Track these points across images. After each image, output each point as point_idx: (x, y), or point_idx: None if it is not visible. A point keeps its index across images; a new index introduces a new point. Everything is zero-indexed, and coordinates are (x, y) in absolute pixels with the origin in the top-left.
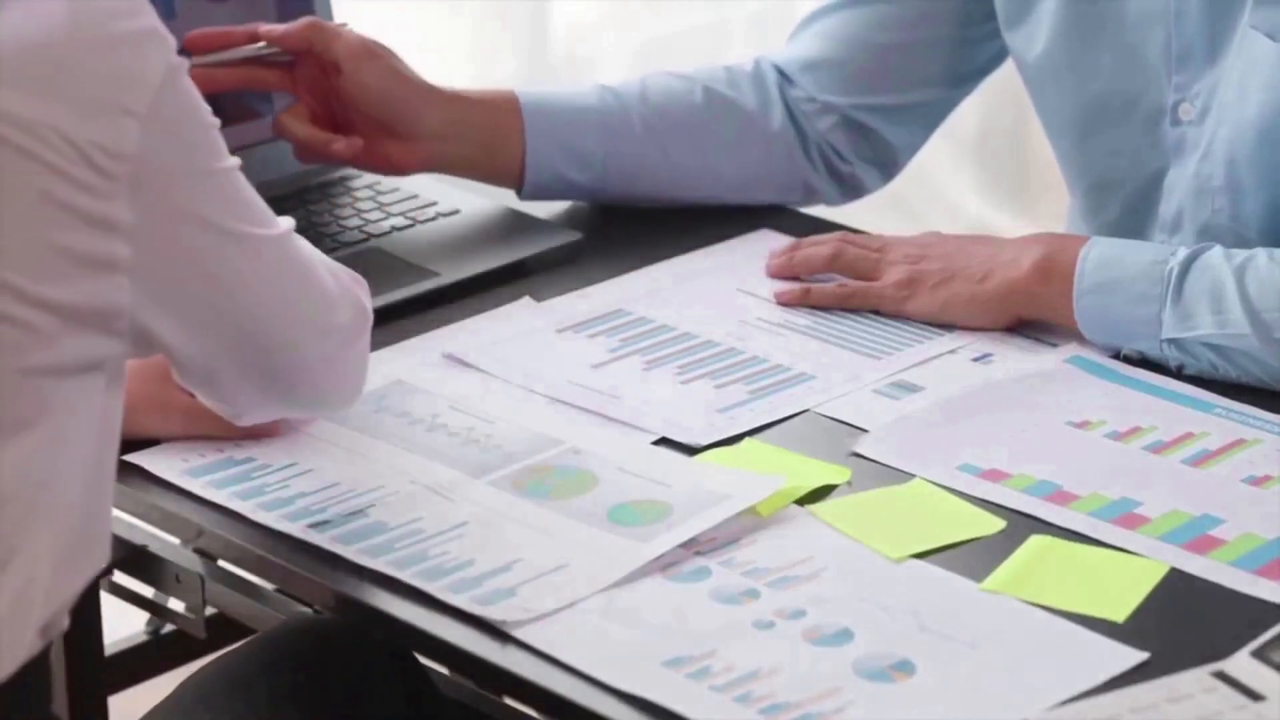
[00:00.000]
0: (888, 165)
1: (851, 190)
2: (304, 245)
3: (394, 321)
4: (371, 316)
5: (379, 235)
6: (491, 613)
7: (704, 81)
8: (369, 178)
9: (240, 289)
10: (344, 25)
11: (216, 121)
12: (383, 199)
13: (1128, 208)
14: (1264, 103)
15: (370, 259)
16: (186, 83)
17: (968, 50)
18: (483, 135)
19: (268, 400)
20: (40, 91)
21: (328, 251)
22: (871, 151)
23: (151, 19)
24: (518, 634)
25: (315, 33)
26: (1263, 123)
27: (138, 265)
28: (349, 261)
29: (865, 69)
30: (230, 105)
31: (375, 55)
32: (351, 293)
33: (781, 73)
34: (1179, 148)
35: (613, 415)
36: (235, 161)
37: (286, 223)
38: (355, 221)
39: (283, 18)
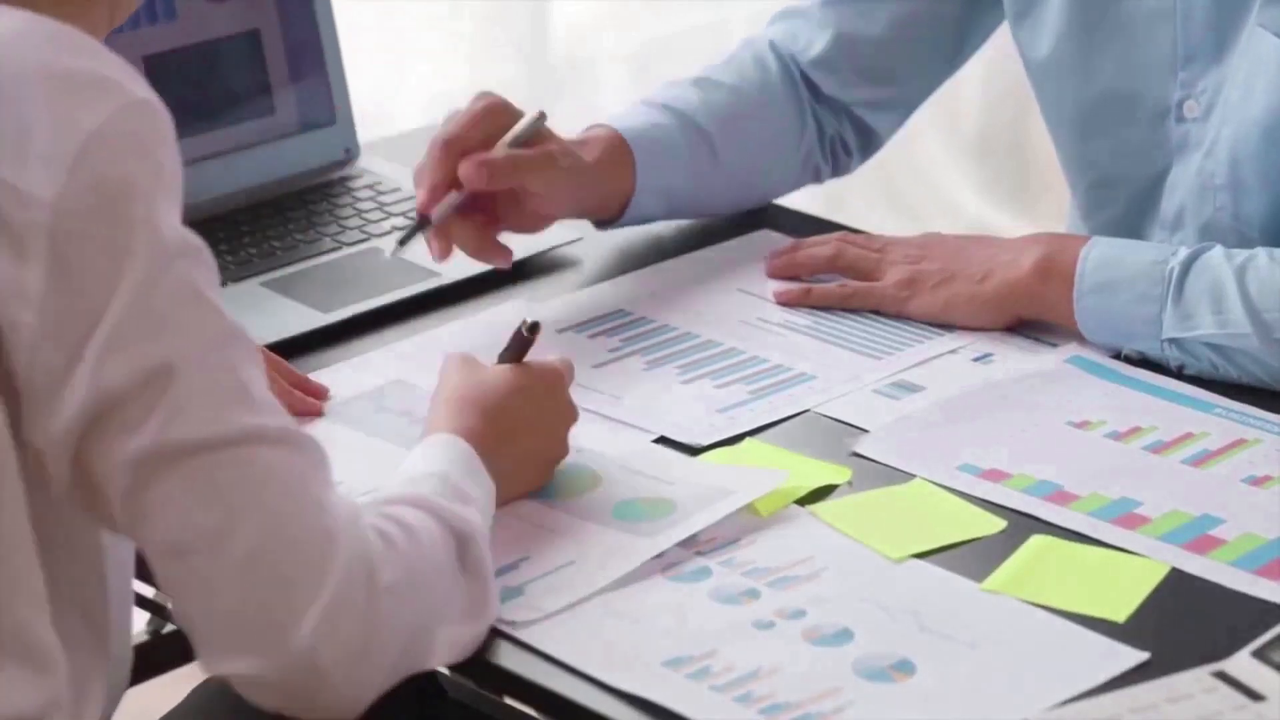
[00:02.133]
0: (873, 148)
1: (838, 172)
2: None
3: (394, 322)
4: (391, 583)
5: (379, 235)
6: (500, 613)
7: (757, 97)
8: (369, 177)
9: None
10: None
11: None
12: (383, 199)
13: (1129, 205)
14: (1270, 101)
15: (370, 259)
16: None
17: (967, 35)
18: (607, 198)
19: (215, 639)
20: None
21: (327, 252)
22: (861, 138)
23: (99, 64)
24: (518, 634)
25: (514, 170)
26: (1268, 121)
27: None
28: (350, 261)
29: (872, 65)
30: (228, 107)
31: (558, 167)
32: (359, 545)
33: (799, 66)
34: (1183, 145)
35: (613, 415)
36: (202, 280)
37: (257, 423)
38: (355, 222)
39: (282, 15)
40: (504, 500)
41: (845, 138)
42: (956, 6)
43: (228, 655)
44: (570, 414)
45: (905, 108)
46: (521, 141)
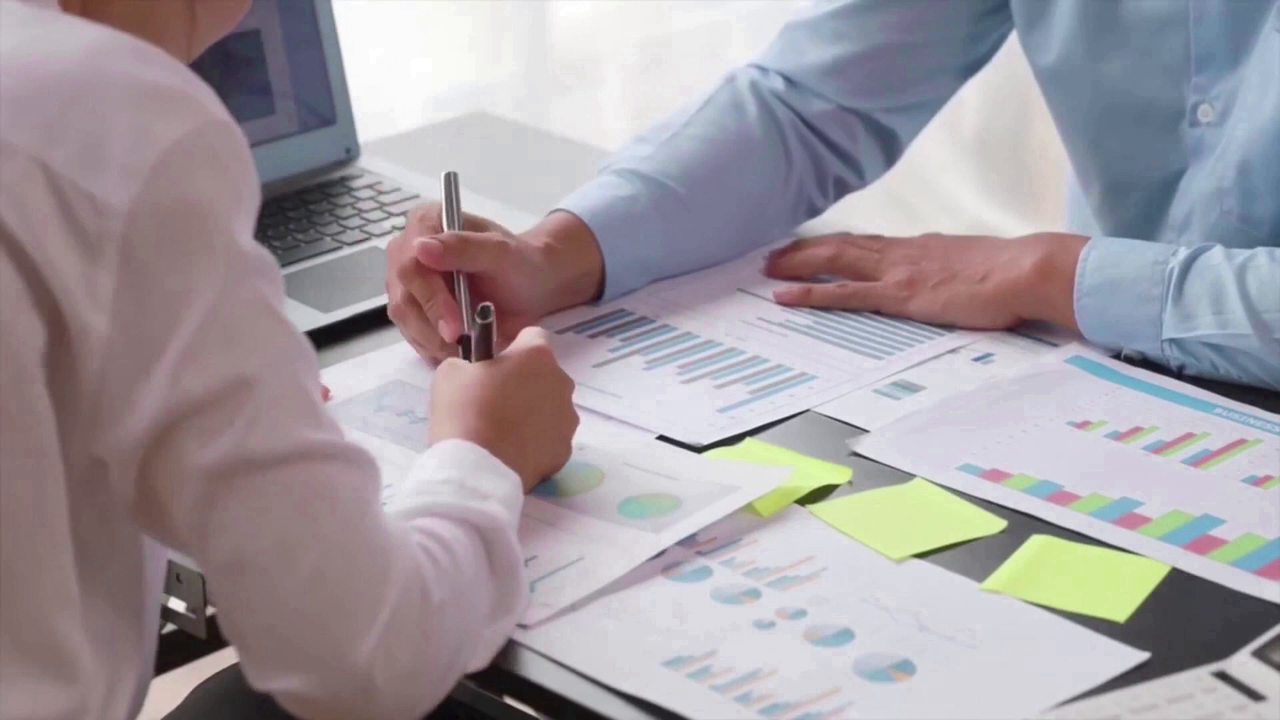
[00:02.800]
0: (892, 159)
1: (842, 195)
2: (356, 471)
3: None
4: (441, 601)
5: (379, 235)
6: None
7: (733, 148)
8: (369, 177)
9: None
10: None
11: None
12: (383, 199)
13: (1144, 207)
14: None
15: (370, 259)
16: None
17: (978, 41)
18: (572, 281)
19: (269, 655)
20: (31, 125)
21: (327, 252)
22: (882, 151)
23: (182, 82)
24: (519, 635)
25: (463, 251)
26: (1279, 125)
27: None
28: (350, 262)
29: (889, 70)
30: (228, 107)
31: (509, 253)
32: (412, 564)
33: (791, 82)
34: (1198, 149)
35: (613, 415)
36: (268, 295)
37: (325, 439)
38: (356, 221)
39: (282, 15)
40: (531, 484)
41: (856, 159)
42: (965, 16)
43: (280, 671)
44: (565, 385)
45: (924, 110)
46: (460, 219)
